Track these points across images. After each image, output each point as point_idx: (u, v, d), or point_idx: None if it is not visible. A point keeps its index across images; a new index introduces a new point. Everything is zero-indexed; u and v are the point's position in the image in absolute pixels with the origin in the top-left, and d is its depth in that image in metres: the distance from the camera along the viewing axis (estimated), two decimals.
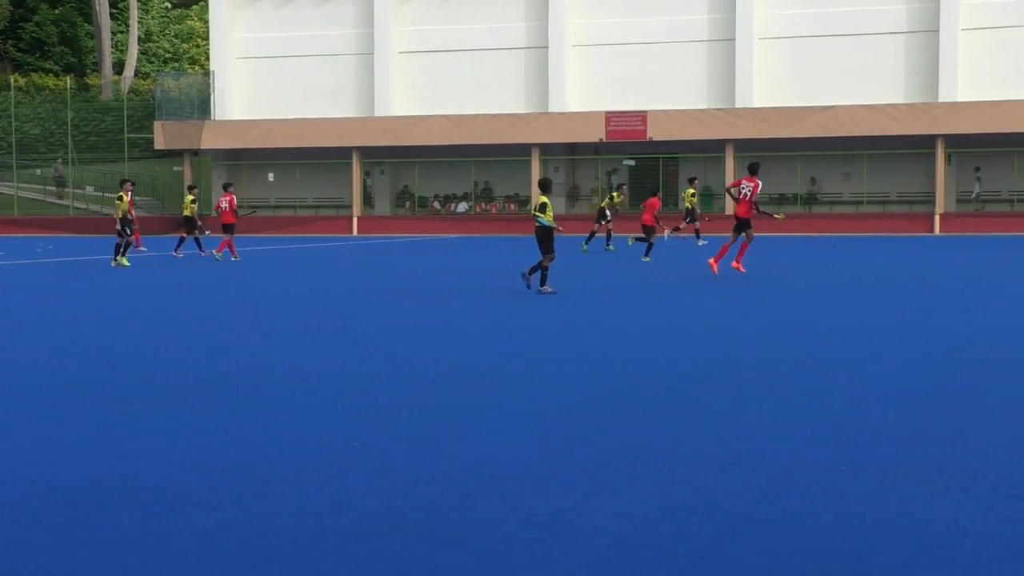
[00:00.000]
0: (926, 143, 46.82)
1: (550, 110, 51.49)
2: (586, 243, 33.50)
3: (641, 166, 49.87)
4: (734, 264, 22.72)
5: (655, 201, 30.49)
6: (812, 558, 5.32)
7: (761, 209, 23.42)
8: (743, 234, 22.52)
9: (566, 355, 11.99)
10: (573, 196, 53.00)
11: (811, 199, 49.71)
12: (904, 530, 5.72)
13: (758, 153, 47.59)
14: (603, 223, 34.46)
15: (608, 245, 33.91)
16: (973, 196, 48.55)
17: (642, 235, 29.51)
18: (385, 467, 7.04)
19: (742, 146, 48.16)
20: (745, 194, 22.34)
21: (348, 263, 31.75)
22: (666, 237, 37.10)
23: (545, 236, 18.59)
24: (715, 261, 22.60)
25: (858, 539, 5.59)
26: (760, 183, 22.47)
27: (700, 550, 5.45)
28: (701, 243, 35.08)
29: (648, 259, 28.18)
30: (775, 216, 24.92)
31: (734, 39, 49.37)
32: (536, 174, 50.91)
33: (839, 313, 16.20)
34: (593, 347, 12.62)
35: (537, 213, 18.79)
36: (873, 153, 48.04)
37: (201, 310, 18.07)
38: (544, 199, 18.72)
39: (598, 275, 24.47)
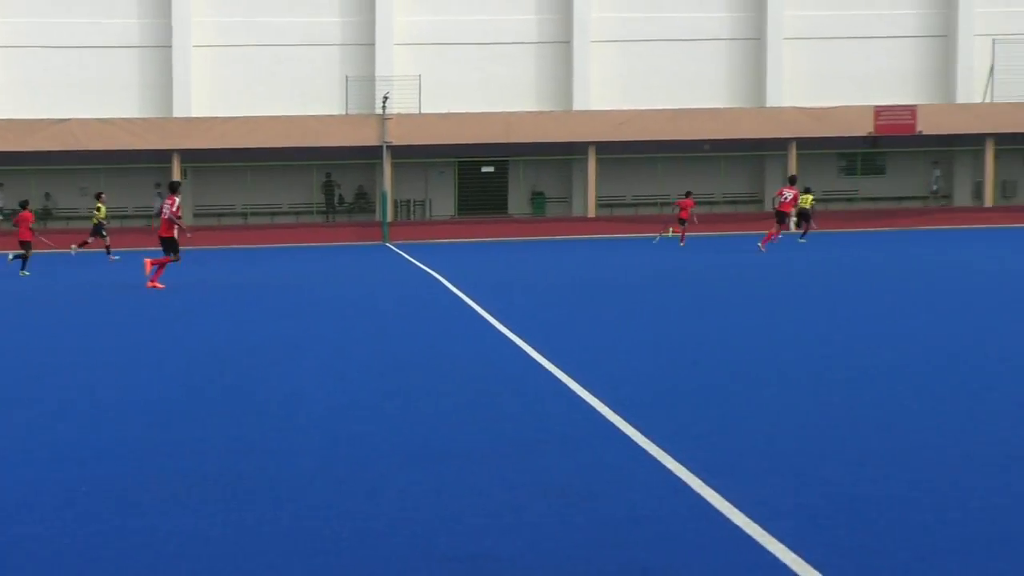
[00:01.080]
0: (163, 157, 47.50)
1: None
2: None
3: None
4: (150, 284, 22.64)
5: (27, 215, 29.98)
6: None
7: (181, 227, 23.38)
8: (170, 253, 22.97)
9: None
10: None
11: (47, 214, 48.10)
12: (129, 546, 5.88)
13: None
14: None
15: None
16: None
17: (21, 251, 29.21)
18: None
19: None
20: (166, 214, 22.66)
21: None
22: (73, 252, 36.69)
23: None
24: (153, 282, 22.61)
25: (100, 560, 5.66)
26: (177, 200, 22.90)
27: None
28: (114, 259, 34.63)
29: (26, 273, 27.88)
30: (186, 234, 24.94)
31: None
32: None
33: (236, 325, 16.15)
34: None
35: None
36: (110, 167, 47.93)
37: None
38: None
39: None
